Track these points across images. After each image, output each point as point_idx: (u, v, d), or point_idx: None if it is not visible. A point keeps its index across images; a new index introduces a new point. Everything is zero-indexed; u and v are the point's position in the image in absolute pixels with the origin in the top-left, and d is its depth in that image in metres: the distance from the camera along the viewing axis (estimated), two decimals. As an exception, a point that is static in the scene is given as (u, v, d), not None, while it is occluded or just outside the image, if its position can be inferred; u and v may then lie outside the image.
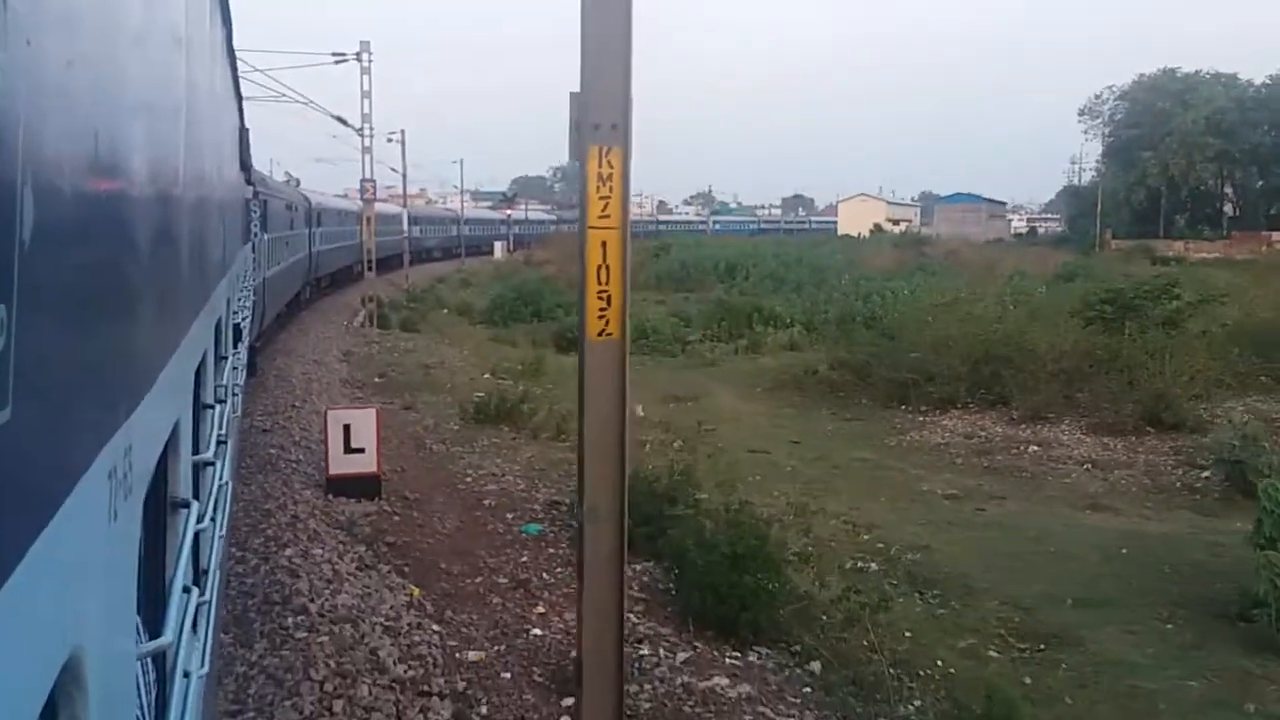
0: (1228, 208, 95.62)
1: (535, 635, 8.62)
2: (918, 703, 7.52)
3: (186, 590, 2.49)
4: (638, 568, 10.00)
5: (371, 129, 30.67)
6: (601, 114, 4.85)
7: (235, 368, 7.09)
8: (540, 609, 9.21)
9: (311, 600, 8.42)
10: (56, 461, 1.21)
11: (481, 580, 9.87)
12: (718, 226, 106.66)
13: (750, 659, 8.34)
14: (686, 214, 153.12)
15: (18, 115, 1.02)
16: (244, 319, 9.48)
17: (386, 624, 8.31)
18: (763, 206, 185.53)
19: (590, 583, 5.17)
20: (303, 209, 29.81)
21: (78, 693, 1.26)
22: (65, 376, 1.27)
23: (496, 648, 8.30)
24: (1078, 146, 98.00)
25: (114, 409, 1.57)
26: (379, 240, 36.75)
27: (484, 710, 7.17)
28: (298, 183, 56.02)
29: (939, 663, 8.77)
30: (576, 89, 4.98)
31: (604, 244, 4.93)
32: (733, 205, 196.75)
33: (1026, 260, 57.13)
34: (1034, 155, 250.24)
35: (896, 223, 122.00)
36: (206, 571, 3.42)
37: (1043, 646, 9.40)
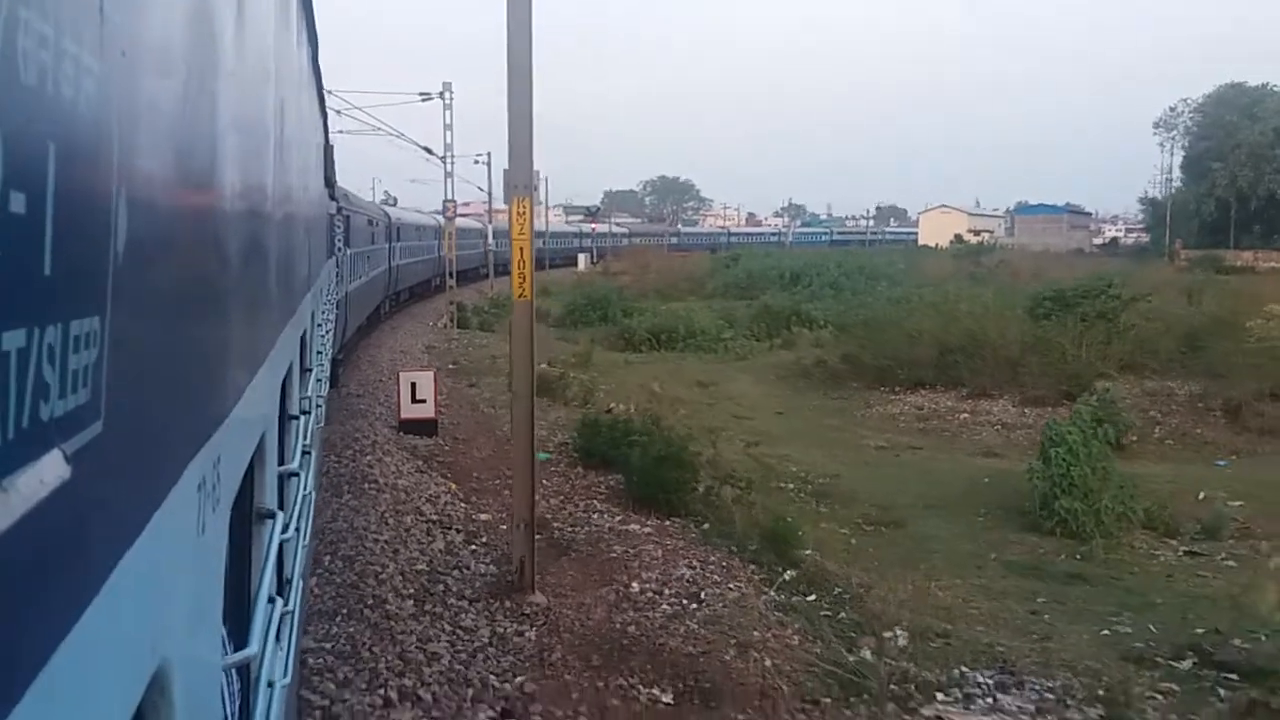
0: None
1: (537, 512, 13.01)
2: (754, 545, 11.66)
3: (271, 601, 2.54)
4: (607, 476, 14.38)
5: (453, 156, 35.64)
6: (518, 178, 9.28)
7: (319, 379, 7.19)
8: (537, 498, 13.62)
9: (382, 480, 13.02)
10: (147, 474, 1.22)
11: (499, 483, 14.28)
12: (791, 238, 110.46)
13: (664, 523, 12.63)
14: (775, 225, 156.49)
15: (112, 126, 1.03)
16: (328, 331, 9.87)
17: (429, 498, 12.83)
18: (852, 217, 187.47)
19: (517, 430, 9.61)
20: (383, 224, 31.17)
21: (164, 704, 1.26)
22: (156, 390, 1.28)
23: (499, 514, 12.73)
24: (1160, 158, 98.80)
25: (204, 421, 1.59)
26: (460, 254, 41.13)
27: (484, 539, 11.59)
28: (395, 201, 61.69)
29: (800, 534, 12.93)
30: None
31: (521, 249, 9.35)
32: (823, 217, 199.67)
33: (1079, 269, 59.84)
34: (1132, 166, 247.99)
35: (978, 234, 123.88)
36: (290, 581, 3.48)
37: (882, 529, 13.52)
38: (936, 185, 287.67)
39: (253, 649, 2.10)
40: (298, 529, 3.58)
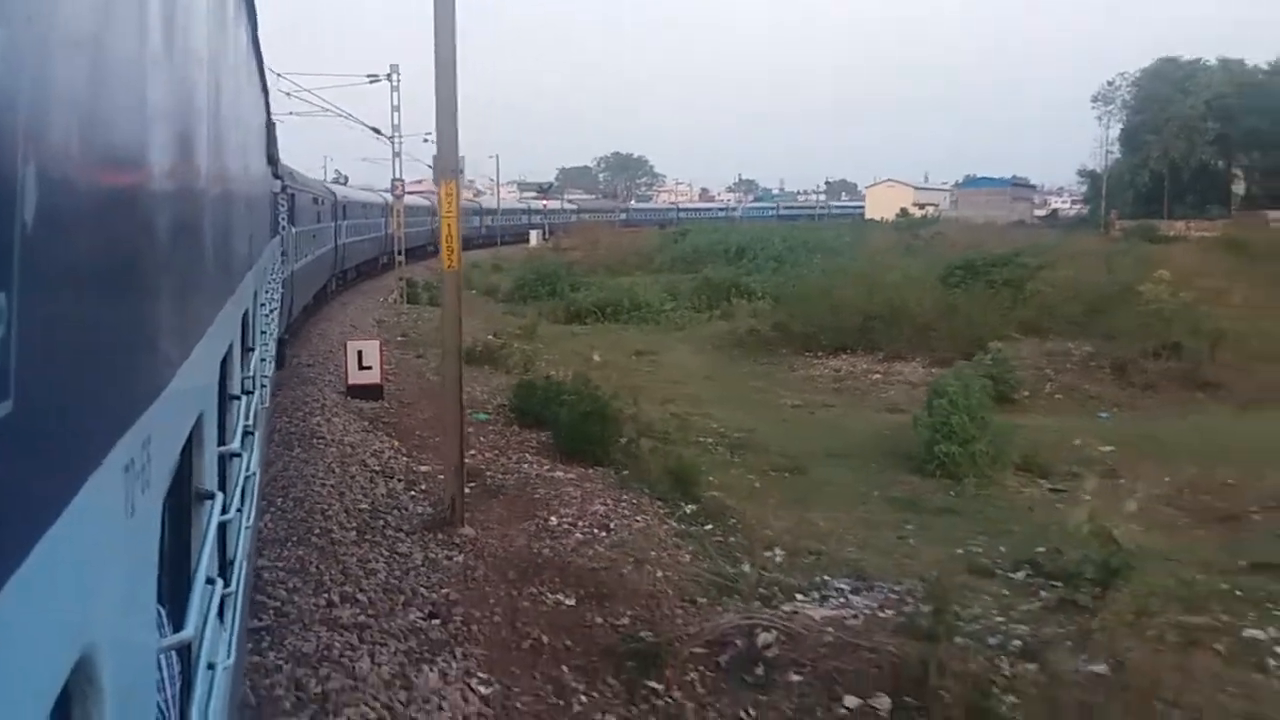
0: (1239, 188, 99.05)
1: (467, 463, 14.32)
2: (663, 486, 13.02)
3: (210, 582, 2.51)
4: (539, 433, 15.72)
5: (400, 136, 36.63)
6: (446, 164, 10.56)
7: (264, 359, 7.07)
8: (472, 453, 14.93)
9: (330, 440, 14.28)
10: (64, 455, 1.18)
11: (440, 441, 15.57)
12: (741, 214, 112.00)
13: (587, 471, 14.00)
14: (727, 201, 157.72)
15: (17, 93, 1.00)
16: (272, 310, 9.69)
17: (374, 452, 14.09)
18: (804, 192, 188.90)
19: (446, 384, 10.94)
20: (328, 202, 30.95)
21: (92, 689, 1.25)
22: (74, 368, 1.23)
23: (438, 467, 14.02)
24: (1099, 132, 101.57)
25: (130, 401, 1.54)
26: (409, 231, 42.01)
27: (422, 486, 12.88)
28: (346, 180, 62.24)
29: (702, 475, 14.32)
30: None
31: (449, 225, 10.64)
32: (775, 192, 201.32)
33: (1011, 240, 61.80)
34: (1078, 140, 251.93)
35: (923, 207, 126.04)
36: (233, 563, 3.45)
37: (786, 474, 14.98)
38: (888, 160, 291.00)
39: (188, 631, 2.06)
40: (240, 510, 3.54)
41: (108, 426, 1.37)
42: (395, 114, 36.52)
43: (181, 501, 2.63)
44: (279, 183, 14.46)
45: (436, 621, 8.24)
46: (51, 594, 1.08)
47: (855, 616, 8.55)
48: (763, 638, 7.69)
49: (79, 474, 1.20)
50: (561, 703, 7.09)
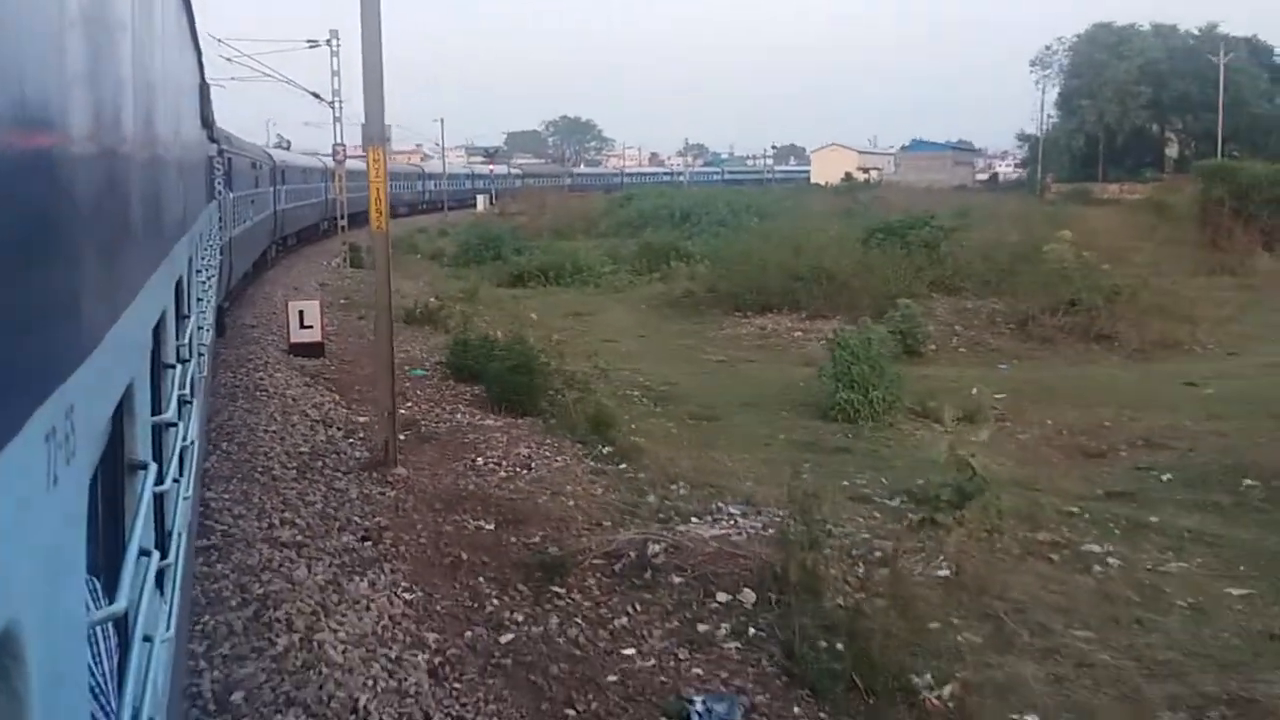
0: (1173, 151, 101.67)
1: (403, 414, 15.31)
2: (583, 431, 14.09)
3: (146, 554, 2.47)
4: (473, 387, 16.72)
5: (341, 101, 37.15)
6: (372, 132, 11.49)
7: (201, 327, 7.03)
8: (409, 404, 15.91)
9: (272, 392, 15.19)
10: None
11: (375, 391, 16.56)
12: (687, 178, 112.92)
13: (515, 420, 15.04)
14: (676, 165, 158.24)
15: None
16: (209, 277, 9.58)
17: (314, 404, 15.03)
18: (753, 157, 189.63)
19: (379, 335, 11.93)
20: (267, 167, 30.60)
21: (15, 665, 1.23)
22: None
23: (376, 418, 14.99)
24: (1037, 95, 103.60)
25: (48, 368, 1.50)
26: (351, 196, 42.43)
27: (360, 435, 13.85)
28: (289, 145, 62.16)
29: (633, 427, 15.45)
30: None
31: (377, 189, 11.58)
32: (724, 156, 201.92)
33: (950, 203, 63.45)
34: (1022, 103, 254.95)
35: (867, 171, 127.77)
36: (171, 534, 3.43)
37: (703, 421, 16.12)
38: (836, 125, 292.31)
39: (120, 604, 2.01)
40: (177, 480, 3.49)
41: (23, 395, 1.33)
42: (335, 79, 37.09)
43: (115, 473, 2.64)
44: (215, 146, 14.17)
45: (368, 544, 9.29)
46: None
47: (740, 534, 9.70)
48: (652, 549, 8.83)
49: None
50: (476, 605, 8.17)
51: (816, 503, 9.37)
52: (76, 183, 1.82)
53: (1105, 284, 22.69)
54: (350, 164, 43.29)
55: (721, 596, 8.15)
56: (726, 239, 42.94)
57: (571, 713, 6.51)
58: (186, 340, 4.86)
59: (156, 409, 3.44)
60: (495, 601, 8.24)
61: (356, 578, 8.33)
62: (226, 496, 9.93)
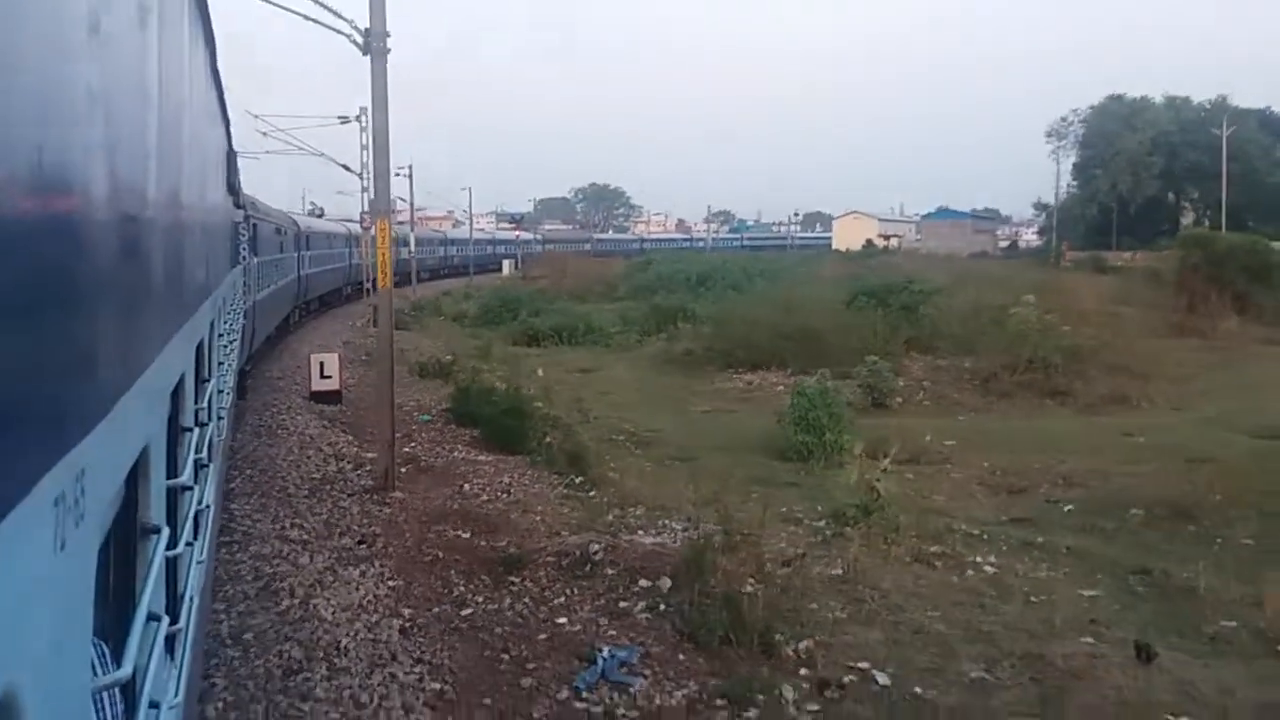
0: (1188, 220, 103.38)
1: (406, 452, 17.31)
2: (560, 465, 15.98)
3: (156, 619, 2.48)
4: (472, 430, 18.71)
5: (369, 173, 39.68)
6: (380, 205, 13.65)
7: (221, 390, 7.09)
8: (413, 443, 17.91)
9: (293, 431, 17.25)
10: None
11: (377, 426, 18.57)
12: (710, 244, 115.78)
13: (505, 457, 16.97)
14: (699, 230, 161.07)
15: None
16: (231, 342, 9.67)
17: (329, 443, 17.05)
18: (779, 223, 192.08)
19: (380, 377, 13.99)
20: (291, 232, 31.25)
21: None
22: None
23: (381, 453, 16.98)
24: (1054, 166, 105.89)
25: (59, 433, 1.51)
26: (374, 261, 44.44)
27: (367, 468, 15.82)
28: (322, 212, 65.05)
29: (611, 465, 17.33)
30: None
31: (383, 253, 13.72)
32: (750, 223, 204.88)
33: (956, 270, 65.38)
34: (1049, 172, 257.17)
35: (888, 238, 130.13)
36: (183, 598, 3.43)
37: (678, 462, 18.01)
38: (864, 192, 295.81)
39: (125, 669, 1.99)
40: (190, 544, 3.50)
41: (33, 458, 1.33)
42: (364, 152, 39.59)
43: (128, 536, 2.62)
44: (240, 213, 14.49)
45: (363, 546, 11.23)
46: None
47: (676, 542, 11.56)
48: (594, 548, 10.72)
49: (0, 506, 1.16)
50: (446, 590, 10.07)
51: (740, 519, 11.26)
52: (92, 247, 1.82)
53: (1064, 344, 24.50)
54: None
55: (644, 583, 10.00)
56: (729, 301, 45.11)
57: (505, 657, 8.38)
58: (206, 403, 4.91)
59: (173, 472, 3.47)
60: (461, 588, 10.13)
61: (350, 568, 10.27)
62: (248, 507, 11.94)
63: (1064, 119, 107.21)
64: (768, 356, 28.07)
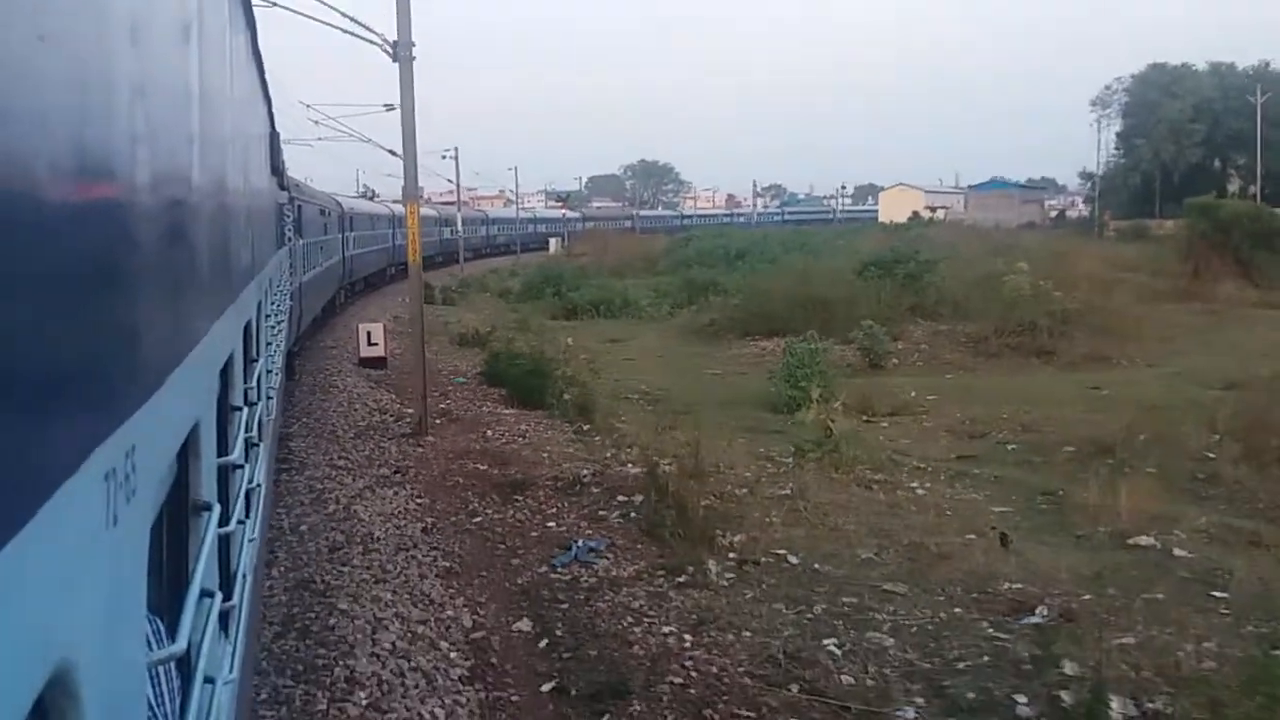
0: (1234, 187, 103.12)
1: (441, 408, 19.73)
2: (572, 415, 18.28)
3: (209, 595, 2.53)
4: (502, 390, 21.10)
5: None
6: (409, 189, 16.03)
7: (270, 370, 7.17)
8: (447, 401, 20.32)
9: (342, 390, 19.75)
10: (29, 463, 1.15)
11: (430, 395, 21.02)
12: (755, 220, 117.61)
13: (527, 412, 19.31)
14: (747, 205, 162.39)
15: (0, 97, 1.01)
16: (279, 322, 9.86)
17: (374, 400, 19.53)
18: (830, 196, 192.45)
19: (415, 340, 16.40)
20: (335, 214, 31.68)
21: (69, 703, 1.23)
22: (40, 375, 1.22)
23: (416, 406, 19.41)
24: (1099, 135, 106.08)
25: (109, 409, 1.53)
26: (422, 241, 46.97)
27: (406, 420, 18.23)
28: (374, 193, 67.82)
29: (621, 416, 19.58)
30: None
31: (413, 233, 16.10)
32: (801, 197, 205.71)
33: (994, 241, 66.60)
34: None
35: (934, 210, 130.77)
36: (236, 575, 3.50)
37: (681, 414, 20.22)
38: (915, 163, 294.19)
39: (180, 644, 2.02)
40: (242, 522, 3.56)
41: (83, 435, 1.35)
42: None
43: (180, 513, 2.67)
44: (285, 194, 14.58)
45: (397, 474, 13.66)
46: (17, 602, 1.05)
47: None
48: (584, 472, 13.04)
49: (51, 481, 1.17)
50: (462, 506, 12.43)
51: (719, 457, 13.52)
52: (140, 229, 1.85)
53: (1053, 309, 26.32)
54: (423, 210, 47.69)
55: (621, 498, 12.31)
56: (756, 275, 47.00)
57: (502, 547, 10.73)
58: (254, 383, 4.95)
59: (224, 450, 3.50)
60: (475, 504, 12.50)
61: (385, 489, 12.70)
62: (304, 445, 14.43)
63: (1108, 87, 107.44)
64: (782, 325, 30.01)
